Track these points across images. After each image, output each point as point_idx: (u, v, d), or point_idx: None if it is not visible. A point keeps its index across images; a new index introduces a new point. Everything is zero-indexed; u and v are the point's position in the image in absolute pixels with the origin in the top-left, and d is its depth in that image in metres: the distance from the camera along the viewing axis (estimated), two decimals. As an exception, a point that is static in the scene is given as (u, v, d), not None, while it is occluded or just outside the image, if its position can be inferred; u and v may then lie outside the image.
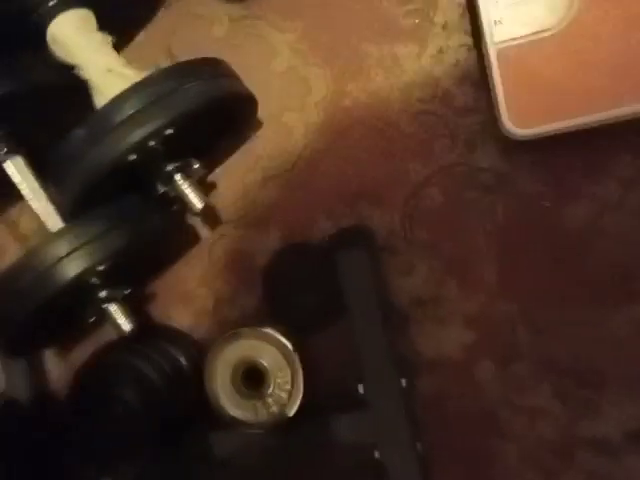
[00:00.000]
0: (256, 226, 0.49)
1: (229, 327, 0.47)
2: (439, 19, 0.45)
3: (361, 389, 0.43)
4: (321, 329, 0.48)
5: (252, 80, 0.45)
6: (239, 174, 0.49)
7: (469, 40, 0.44)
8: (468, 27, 0.44)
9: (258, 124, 0.48)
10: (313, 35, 0.47)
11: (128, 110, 0.37)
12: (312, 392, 0.45)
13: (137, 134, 0.37)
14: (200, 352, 0.49)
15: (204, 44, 0.49)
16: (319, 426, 0.45)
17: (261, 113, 0.47)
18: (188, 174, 0.41)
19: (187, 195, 0.41)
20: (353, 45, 0.46)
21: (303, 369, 0.45)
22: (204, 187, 0.46)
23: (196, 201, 0.41)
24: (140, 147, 0.37)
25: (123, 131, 0.36)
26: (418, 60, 0.45)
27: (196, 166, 0.41)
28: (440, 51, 0.45)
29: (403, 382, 0.44)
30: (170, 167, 0.41)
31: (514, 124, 0.41)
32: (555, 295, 0.45)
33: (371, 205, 0.47)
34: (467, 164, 0.45)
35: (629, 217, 0.44)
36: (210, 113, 0.41)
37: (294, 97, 0.48)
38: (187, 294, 0.51)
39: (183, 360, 0.49)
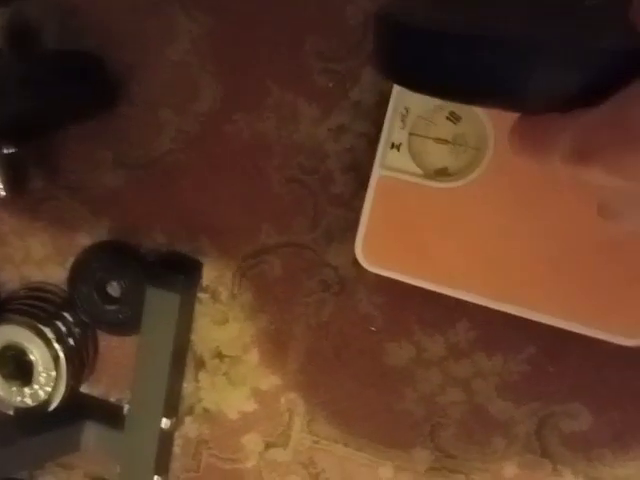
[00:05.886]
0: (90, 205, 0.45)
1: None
2: (354, 95, 0.39)
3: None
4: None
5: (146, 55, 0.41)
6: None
7: (373, 133, 0.39)
8: (379, 119, 0.38)
9: (129, 102, 0.43)
10: (220, 41, 0.40)
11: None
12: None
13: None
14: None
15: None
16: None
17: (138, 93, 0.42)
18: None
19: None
20: (257, 74, 0.40)
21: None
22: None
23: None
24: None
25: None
26: (315, 126, 0.40)
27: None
28: (340, 128, 0.40)
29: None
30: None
31: (364, 257, 0.37)
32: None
33: (212, 244, 0.44)
34: (318, 253, 0.42)
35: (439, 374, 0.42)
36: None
37: (178, 96, 0.42)
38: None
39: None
